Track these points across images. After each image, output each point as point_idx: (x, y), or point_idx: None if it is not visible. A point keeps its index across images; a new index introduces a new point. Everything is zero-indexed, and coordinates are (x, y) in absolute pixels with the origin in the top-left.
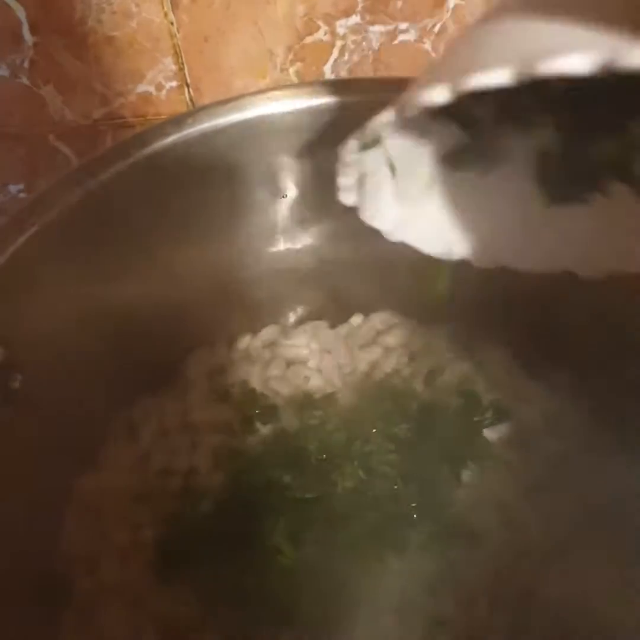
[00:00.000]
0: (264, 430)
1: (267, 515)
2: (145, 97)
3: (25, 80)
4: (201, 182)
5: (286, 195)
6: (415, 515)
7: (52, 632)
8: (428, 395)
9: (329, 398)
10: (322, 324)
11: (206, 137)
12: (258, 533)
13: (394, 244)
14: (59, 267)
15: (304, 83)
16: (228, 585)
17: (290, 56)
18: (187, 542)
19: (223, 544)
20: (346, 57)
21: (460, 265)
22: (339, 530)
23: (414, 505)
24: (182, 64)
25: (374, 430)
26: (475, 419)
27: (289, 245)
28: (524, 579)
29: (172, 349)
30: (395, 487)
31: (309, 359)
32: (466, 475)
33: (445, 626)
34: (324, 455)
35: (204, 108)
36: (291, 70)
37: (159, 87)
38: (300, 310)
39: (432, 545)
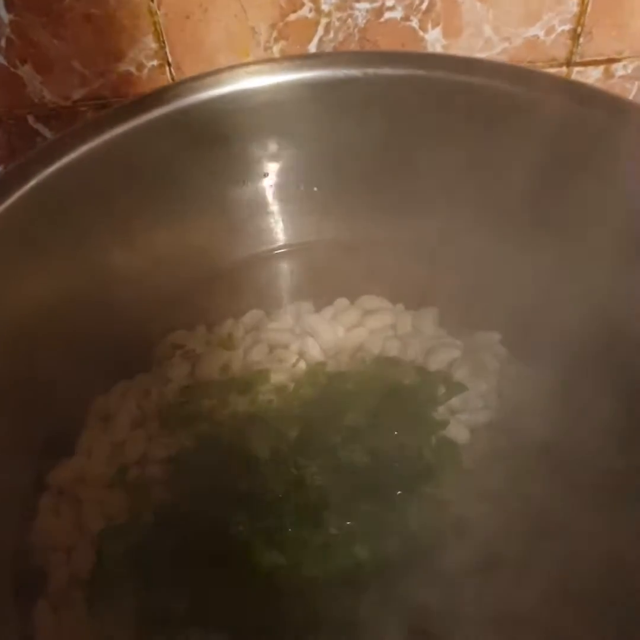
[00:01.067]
0: (241, 417)
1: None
2: (126, 77)
3: (1, 60)
4: (180, 161)
5: (267, 174)
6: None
7: (25, 623)
8: (405, 378)
9: (305, 385)
10: (307, 307)
11: (185, 113)
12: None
13: (379, 224)
14: (30, 249)
15: (285, 57)
16: (204, 588)
17: (274, 34)
18: (155, 540)
19: (193, 543)
20: (331, 35)
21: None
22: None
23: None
24: (163, 42)
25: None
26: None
27: (272, 226)
28: (512, 565)
29: (150, 333)
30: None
31: (292, 343)
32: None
33: (427, 624)
34: (290, 450)
35: (184, 82)
36: (275, 48)
37: (140, 66)
38: (283, 292)
39: (415, 538)
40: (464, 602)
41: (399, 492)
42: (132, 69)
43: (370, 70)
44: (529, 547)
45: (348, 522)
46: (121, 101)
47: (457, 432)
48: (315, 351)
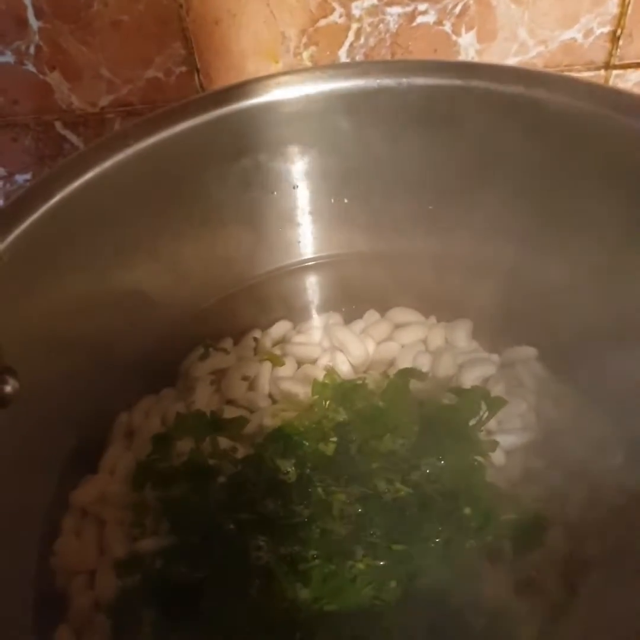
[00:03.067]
0: (266, 434)
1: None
2: (154, 83)
3: (30, 67)
4: (208, 173)
5: (297, 186)
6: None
7: None
8: (440, 399)
9: (335, 402)
10: (336, 320)
11: (214, 124)
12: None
13: (412, 236)
14: (54, 264)
15: (317, 67)
16: (231, 616)
17: (304, 40)
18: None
19: (212, 568)
20: (362, 41)
21: (482, 262)
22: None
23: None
24: (192, 48)
25: (380, 445)
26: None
27: (301, 238)
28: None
29: (176, 346)
30: (414, 510)
31: (320, 358)
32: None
33: None
34: (319, 472)
35: (212, 93)
36: (305, 54)
37: (168, 72)
38: (312, 304)
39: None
40: None
41: (437, 540)
42: (160, 76)
43: (405, 80)
44: (569, 582)
45: (380, 562)
46: (149, 108)
47: (493, 454)
48: (344, 367)
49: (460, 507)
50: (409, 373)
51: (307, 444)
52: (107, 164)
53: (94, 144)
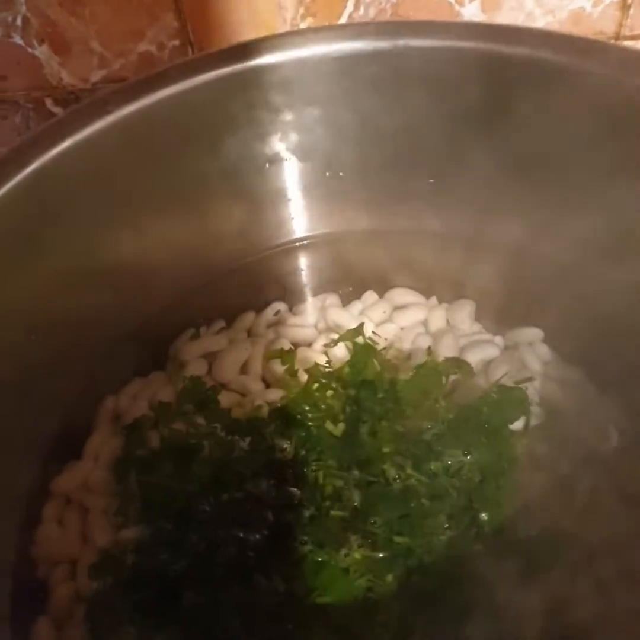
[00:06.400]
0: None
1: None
2: (147, 57)
3: (18, 40)
4: (195, 143)
5: (289, 159)
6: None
7: None
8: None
9: (334, 386)
10: (333, 301)
11: (199, 91)
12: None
13: (411, 212)
14: (32, 240)
15: (309, 29)
16: (215, 611)
17: (301, 10)
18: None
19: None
20: (362, 11)
21: (485, 240)
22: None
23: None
24: (185, 20)
25: (391, 428)
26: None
27: (295, 214)
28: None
29: (165, 329)
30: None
31: (316, 341)
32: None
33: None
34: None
35: (199, 57)
36: (302, 26)
37: (161, 46)
38: (309, 284)
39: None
40: None
41: (442, 537)
42: (153, 49)
43: (401, 42)
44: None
45: (379, 554)
46: None
47: None
48: (340, 350)
49: (475, 508)
50: (456, 364)
51: (311, 423)
52: (86, 131)
53: (70, 110)
